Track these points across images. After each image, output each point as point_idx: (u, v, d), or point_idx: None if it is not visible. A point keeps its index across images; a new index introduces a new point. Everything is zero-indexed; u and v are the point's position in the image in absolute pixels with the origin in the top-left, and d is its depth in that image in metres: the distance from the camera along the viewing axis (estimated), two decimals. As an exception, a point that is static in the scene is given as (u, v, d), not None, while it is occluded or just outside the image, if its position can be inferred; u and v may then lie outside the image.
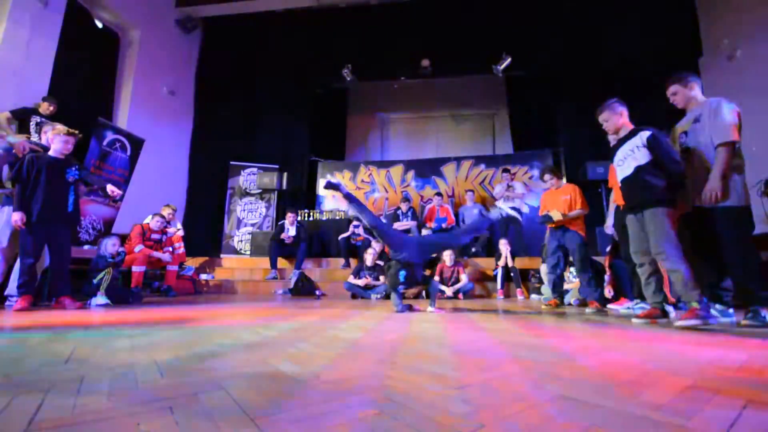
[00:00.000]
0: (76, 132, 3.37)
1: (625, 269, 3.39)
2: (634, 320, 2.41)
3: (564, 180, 3.65)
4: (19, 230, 3.04)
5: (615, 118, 2.57)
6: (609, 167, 3.34)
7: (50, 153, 3.23)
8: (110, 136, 5.28)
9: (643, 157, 2.32)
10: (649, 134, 2.31)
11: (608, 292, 3.68)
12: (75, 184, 3.28)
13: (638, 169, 2.34)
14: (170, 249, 4.94)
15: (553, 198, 3.56)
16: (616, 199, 3.17)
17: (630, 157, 2.39)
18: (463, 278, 4.81)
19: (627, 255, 3.19)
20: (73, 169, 3.30)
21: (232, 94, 7.97)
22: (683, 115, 2.55)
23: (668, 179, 2.27)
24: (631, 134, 2.44)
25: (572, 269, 4.11)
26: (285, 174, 7.47)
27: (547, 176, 3.68)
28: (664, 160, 2.26)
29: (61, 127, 3.30)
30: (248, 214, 7.62)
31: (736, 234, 2.18)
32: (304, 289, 5.07)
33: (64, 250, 3.27)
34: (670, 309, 2.79)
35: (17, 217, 2.96)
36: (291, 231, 6.06)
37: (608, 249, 3.90)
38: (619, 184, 2.57)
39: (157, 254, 4.63)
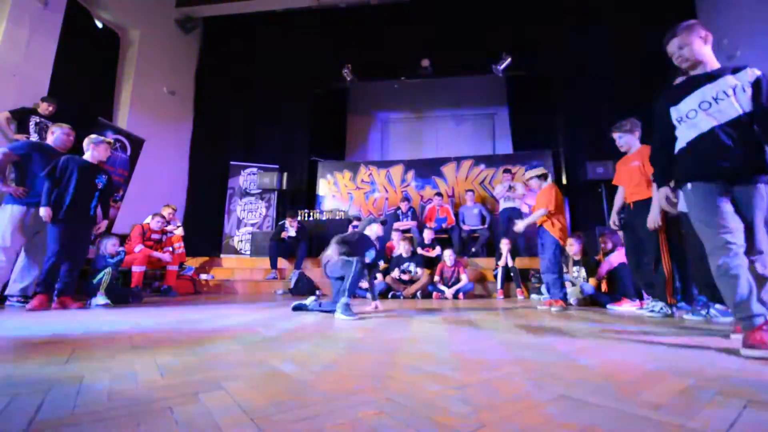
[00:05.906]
0: (112, 141, 3.69)
1: (627, 270, 3.39)
2: None
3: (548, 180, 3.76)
4: (47, 229, 3.12)
5: (697, 44, 1.78)
6: (616, 166, 3.29)
7: (86, 158, 3.35)
8: (110, 136, 5.26)
9: (748, 102, 1.59)
10: (761, 74, 1.61)
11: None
12: (101, 191, 3.39)
13: (743, 117, 1.59)
14: (170, 249, 4.94)
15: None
16: (628, 196, 3.05)
17: (731, 98, 1.61)
18: (464, 278, 4.81)
19: (630, 253, 3.19)
20: (103, 176, 3.42)
21: (232, 94, 7.96)
22: None
23: None
24: (724, 72, 1.68)
25: (575, 268, 4.11)
26: (285, 174, 7.46)
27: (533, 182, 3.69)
28: None
29: (95, 137, 3.46)
30: (248, 214, 7.61)
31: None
32: (304, 289, 5.06)
33: (82, 252, 3.38)
34: (667, 309, 2.80)
35: (45, 212, 3.04)
36: (291, 231, 6.05)
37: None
38: (692, 138, 1.68)
39: (157, 254, 4.63)
